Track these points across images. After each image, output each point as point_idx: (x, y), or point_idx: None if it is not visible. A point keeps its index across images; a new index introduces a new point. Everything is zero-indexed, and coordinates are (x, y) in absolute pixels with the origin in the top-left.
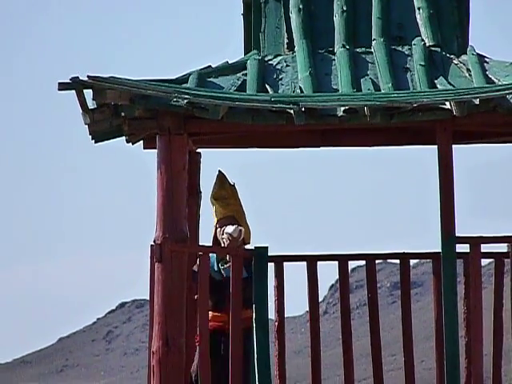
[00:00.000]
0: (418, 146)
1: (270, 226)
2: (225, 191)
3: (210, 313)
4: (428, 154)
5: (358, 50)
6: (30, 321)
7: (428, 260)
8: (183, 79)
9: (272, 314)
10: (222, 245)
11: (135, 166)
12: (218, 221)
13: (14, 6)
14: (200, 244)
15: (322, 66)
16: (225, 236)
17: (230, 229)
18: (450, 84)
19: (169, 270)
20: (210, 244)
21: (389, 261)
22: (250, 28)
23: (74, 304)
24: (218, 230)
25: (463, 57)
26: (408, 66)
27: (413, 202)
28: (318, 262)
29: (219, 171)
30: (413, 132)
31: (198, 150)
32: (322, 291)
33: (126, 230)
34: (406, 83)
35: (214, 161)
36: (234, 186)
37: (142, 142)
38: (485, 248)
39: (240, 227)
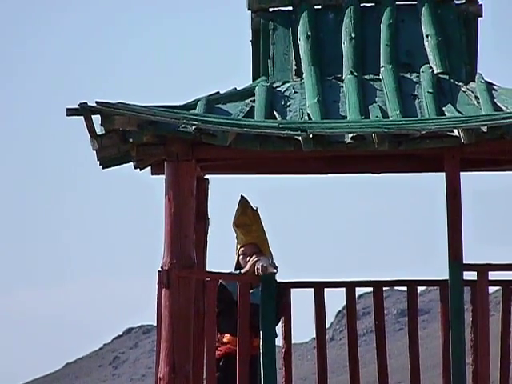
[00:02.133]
0: (426, 173)
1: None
2: (247, 217)
3: (229, 336)
4: (436, 181)
5: (366, 76)
6: (36, 346)
7: (435, 287)
8: (191, 105)
9: (279, 341)
10: (250, 271)
11: (143, 191)
12: (240, 247)
13: (17, 23)
14: (207, 270)
15: (330, 92)
16: (259, 267)
17: (264, 261)
18: (458, 111)
19: (176, 296)
20: (233, 269)
21: (396, 288)
22: (258, 54)
23: (80, 329)
24: (241, 257)
25: (471, 84)
26: (416, 93)
27: (421, 229)
28: (325, 289)
29: (241, 196)
30: (421, 159)
31: (206, 176)
32: (329, 318)
33: (133, 255)
34: (414, 110)
35: (221, 187)
36: (256, 210)
37: (149, 167)
38: (492, 275)
39: (274, 262)
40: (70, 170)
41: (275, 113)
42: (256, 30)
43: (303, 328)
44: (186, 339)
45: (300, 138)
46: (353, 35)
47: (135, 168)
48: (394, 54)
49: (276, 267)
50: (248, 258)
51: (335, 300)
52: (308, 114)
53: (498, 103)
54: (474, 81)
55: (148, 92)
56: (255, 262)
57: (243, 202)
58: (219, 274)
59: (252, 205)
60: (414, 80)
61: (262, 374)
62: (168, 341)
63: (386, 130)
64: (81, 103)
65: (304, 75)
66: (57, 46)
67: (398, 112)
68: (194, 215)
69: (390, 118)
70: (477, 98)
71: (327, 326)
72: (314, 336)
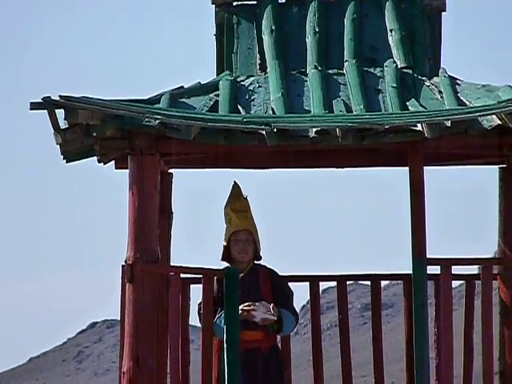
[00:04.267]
0: (390, 167)
1: None
2: (242, 203)
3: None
4: (400, 175)
5: (330, 71)
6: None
7: (399, 281)
8: (155, 99)
9: None
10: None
11: (107, 186)
12: (233, 232)
13: None
14: (171, 264)
15: (294, 87)
16: (258, 320)
17: (261, 310)
18: (422, 106)
19: (140, 291)
20: (219, 258)
21: (360, 282)
22: (222, 49)
23: (44, 324)
24: (234, 242)
25: (435, 79)
26: (380, 87)
27: (384, 223)
28: (289, 283)
29: (235, 182)
30: (384, 153)
31: (170, 171)
32: None
33: (97, 250)
34: (377, 105)
35: (185, 181)
36: (246, 198)
37: (113, 162)
38: (456, 270)
39: (271, 312)
40: (33, 164)
41: (239, 107)
42: (220, 24)
43: None
44: (149, 334)
45: (264, 133)
46: (317, 29)
47: (99, 162)
48: (358, 48)
49: (274, 314)
50: (241, 245)
51: (299, 294)
52: (272, 109)
53: (462, 98)
54: (438, 75)
55: (112, 86)
56: (252, 309)
57: (237, 189)
58: (183, 269)
59: (243, 192)
60: (378, 74)
61: (226, 368)
62: (132, 335)
63: (349, 125)
64: (44, 97)
65: (268, 69)
66: (19, 38)
67: (362, 106)
68: (158, 209)
69: (354, 113)
70: (440, 92)
71: None
72: None
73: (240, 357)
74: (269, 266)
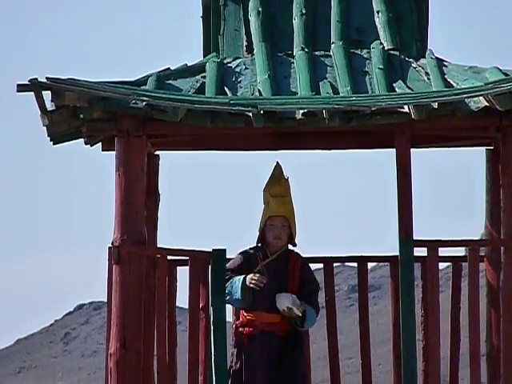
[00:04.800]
0: (377, 149)
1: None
2: (282, 187)
3: (253, 313)
4: (387, 157)
5: (316, 53)
6: None
7: (386, 263)
8: (142, 81)
9: (230, 316)
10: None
11: (94, 168)
12: (268, 217)
13: None
14: (158, 246)
15: (281, 68)
16: (285, 308)
17: (285, 303)
18: (409, 88)
19: (126, 272)
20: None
21: (347, 264)
22: (208, 31)
23: (31, 305)
24: (269, 227)
25: (422, 60)
26: (367, 69)
27: (371, 205)
28: None
29: (277, 163)
30: (371, 135)
31: (157, 153)
32: None
33: (84, 231)
34: (364, 86)
35: (172, 163)
36: (287, 180)
37: (100, 143)
38: (442, 252)
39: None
40: (20, 146)
41: (226, 89)
42: (206, 5)
43: None
44: (136, 315)
45: (251, 114)
46: (304, 11)
47: (86, 144)
48: (345, 30)
49: (300, 310)
50: (276, 231)
51: None
52: (259, 90)
53: (449, 79)
54: (425, 57)
55: (98, 68)
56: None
57: (278, 170)
58: (170, 250)
59: (285, 174)
60: (365, 56)
61: (213, 350)
62: (118, 317)
63: (336, 107)
64: (31, 79)
65: (255, 51)
66: (3, 20)
67: (349, 88)
68: (145, 191)
69: (341, 95)
70: (427, 74)
71: None
72: None
73: (254, 338)
74: (302, 255)
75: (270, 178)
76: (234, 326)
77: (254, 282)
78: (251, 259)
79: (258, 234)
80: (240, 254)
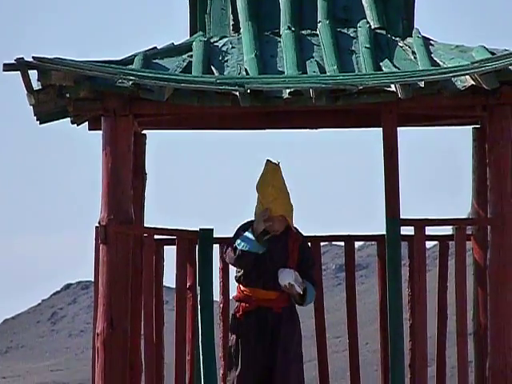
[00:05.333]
0: (364, 128)
1: (215, 207)
2: (274, 189)
3: (250, 289)
4: (374, 136)
5: (303, 32)
6: None
7: (373, 242)
8: (128, 60)
9: (217, 296)
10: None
11: (81, 147)
12: (266, 217)
13: None
14: (145, 226)
15: (268, 48)
16: (286, 284)
17: (288, 279)
18: (395, 66)
19: (113, 252)
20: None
21: (334, 243)
22: (195, 9)
23: (18, 285)
24: (266, 223)
25: (408, 39)
26: (353, 48)
27: (359, 184)
28: None
29: (269, 162)
30: (358, 114)
31: (144, 132)
32: None
33: (71, 211)
34: (351, 66)
35: (159, 142)
36: (278, 165)
37: (87, 123)
38: (429, 230)
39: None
40: (6, 126)
41: (213, 68)
42: None
43: None
44: (123, 295)
45: (238, 94)
46: None
47: (72, 123)
48: (332, 9)
49: (301, 287)
50: (273, 225)
51: None
52: (246, 70)
53: (435, 58)
54: (411, 36)
55: (85, 47)
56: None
57: (272, 170)
58: (157, 230)
59: (275, 162)
60: (352, 35)
61: (200, 329)
62: (106, 296)
63: (323, 86)
64: (17, 58)
65: (241, 30)
66: None
67: (336, 67)
68: (132, 171)
69: (328, 74)
70: (414, 53)
71: None
72: None
73: (251, 313)
74: (299, 230)
75: (263, 176)
76: (220, 304)
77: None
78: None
79: (253, 217)
80: (244, 225)
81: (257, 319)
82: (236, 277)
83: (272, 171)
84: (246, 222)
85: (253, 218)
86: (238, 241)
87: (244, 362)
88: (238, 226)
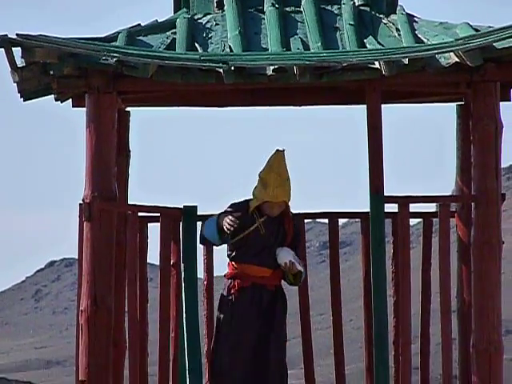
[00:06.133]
0: (348, 105)
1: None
2: (280, 178)
3: (245, 266)
4: (358, 113)
5: (287, 8)
6: None
7: (357, 220)
8: (112, 37)
9: (201, 273)
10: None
11: (64, 124)
12: (267, 201)
13: None
14: (129, 203)
15: (252, 24)
16: (287, 261)
17: (288, 257)
18: (379, 43)
19: (97, 229)
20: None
21: (318, 220)
22: None
23: (2, 262)
24: (268, 208)
25: (392, 16)
26: (337, 25)
27: (343, 161)
28: None
29: (278, 151)
30: (342, 91)
31: (128, 109)
32: None
33: (55, 188)
34: (335, 43)
35: (143, 120)
36: (283, 152)
37: (70, 100)
38: (413, 208)
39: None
40: None
41: (197, 45)
42: None
43: (225, 260)
44: (107, 272)
45: (221, 71)
46: None
47: (56, 100)
48: None
49: (301, 264)
50: (273, 209)
51: None
52: (229, 47)
53: (419, 35)
54: (395, 13)
55: (68, 25)
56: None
57: (279, 158)
58: (141, 207)
59: (282, 150)
60: (336, 12)
61: (184, 306)
62: (89, 274)
63: (307, 63)
64: (1, 35)
65: (225, 7)
66: None
67: (320, 44)
68: (116, 148)
69: (312, 51)
70: (398, 30)
71: None
72: None
73: (245, 290)
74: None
75: (270, 164)
76: (204, 281)
77: (227, 223)
78: (247, 214)
79: (251, 196)
80: (239, 204)
81: (252, 296)
82: (229, 254)
83: (279, 159)
84: (242, 200)
85: (248, 198)
86: (205, 226)
87: (236, 338)
88: (233, 202)
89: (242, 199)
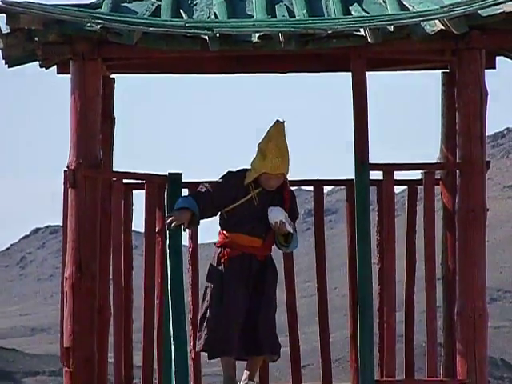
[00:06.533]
0: (333, 72)
1: (183, 152)
2: (283, 147)
3: (236, 235)
4: (343, 80)
5: None
6: None
7: (342, 187)
8: (97, 4)
9: (186, 241)
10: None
11: (49, 90)
12: (266, 172)
13: None
14: (114, 170)
15: None
16: (278, 221)
17: (279, 216)
18: (365, 11)
19: (82, 196)
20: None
21: (303, 188)
22: None
23: None
24: (264, 179)
25: None
26: None
27: (328, 128)
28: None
29: (278, 121)
30: (328, 59)
31: (112, 76)
32: None
33: (40, 155)
34: (320, 10)
35: (128, 86)
36: (283, 123)
37: (55, 66)
38: (398, 175)
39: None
40: None
41: (182, 12)
42: None
43: (210, 228)
44: (92, 239)
45: (207, 38)
46: None
47: (41, 67)
48: None
49: (292, 226)
50: (270, 182)
51: None
52: (215, 13)
53: (405, 3)
54: None
55: None
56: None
57: (279, 129)
58: (125, 174)
59: (282, 121)
60: None
61: (169, 273)
62: (74, 241)
63: (292, 30)
64: None
65: None
66: None
67: (305, 11)
68: (100, 115)
69: (297, 18)
70: None
71: None
72: None
73: (235, 259)
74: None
75: (269, 135)
76: (189, 249)
77: (169, 221)
78: (237, 185)
79: (249, 167)
80: (235, 173)
81: (240, 265)
82: (221, 223)
83: (279, 131)
84: (239, 169)
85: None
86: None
87: (226, 306)
88: (231, 170)
89: (241, 168)
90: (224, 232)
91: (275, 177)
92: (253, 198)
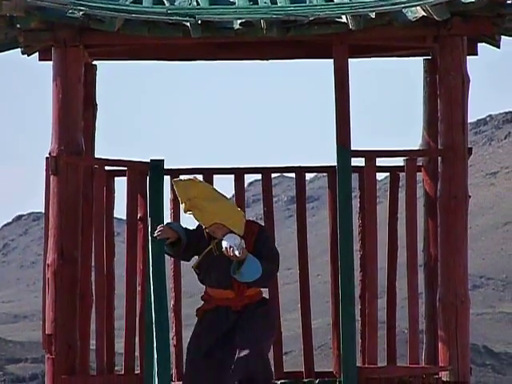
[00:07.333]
0: (315, 59)
1: (165, 139)
2: (189, 203)
3: (210, 289)
4: (325, 67)
5: None
6: None
7: (324, 174)
8: None
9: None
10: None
11: (31, 77)
12: (206, 227)
13: None
14: (96, 157)
15: None
16: (227, 246)
17: (229, 242)
18: None
19: (64, 183)
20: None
21: (285, 175)
22: None
23: None
24: (209, 230)
25: None
26: None
27: (310, 115)
28: (215, 176)
29: (175, 182)
30: (309, 45)
31: (94, 63)
32: None
33: (22, 142)
34: None
35: (110, 73)
36: (194, 179)
37: (37, 53)
38: (380, 162)
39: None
40: None
41: None
42: None
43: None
44: (73, 226)
45: (188, 24)
46: None
47: (23, 54)
48: None
49: (240, 252)
50: (212, 233)
51: (225, 187)
52: (196, 0)
53: None
54: None
55: None
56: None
57: (181, 187)
58: (107, 161)
59: (185, 179)
60: None
61: (150, 260)
62: (56, 227)
63: (274, 17)
64: None
65: None
66: None
67: None
68: (82, 102)
69: (279, 4)
70: None
71: None
72: None
73: (209, 313)
74: (255, 222)
75: (188, 194)
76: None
77: (156, 233)
78: (203, 236)
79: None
80: (199, 225)
81: (217, 318)
82: (198, 278)
83: (182, 188)
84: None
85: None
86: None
87: (201, 359)
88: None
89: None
90: (204, 287)
91: (215, 228)
92: (212, 249)
